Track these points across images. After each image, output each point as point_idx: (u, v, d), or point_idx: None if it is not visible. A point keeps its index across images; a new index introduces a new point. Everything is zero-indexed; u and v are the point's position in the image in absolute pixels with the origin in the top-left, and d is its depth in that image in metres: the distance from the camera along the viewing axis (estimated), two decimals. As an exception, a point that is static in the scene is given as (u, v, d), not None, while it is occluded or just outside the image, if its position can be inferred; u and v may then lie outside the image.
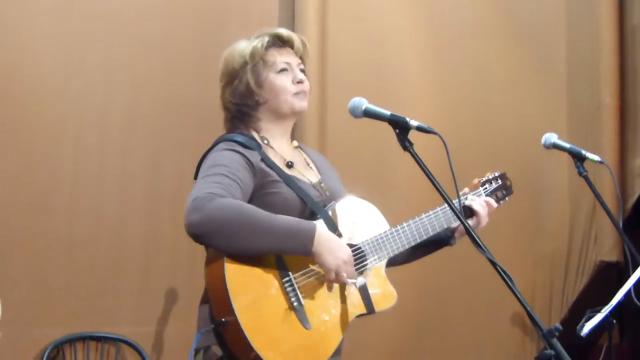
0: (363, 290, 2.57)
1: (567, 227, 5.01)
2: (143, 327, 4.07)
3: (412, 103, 4.67)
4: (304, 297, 2.43)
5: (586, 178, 3.27)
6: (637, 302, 3.15)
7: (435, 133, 2.29)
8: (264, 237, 2.35)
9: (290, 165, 2.64)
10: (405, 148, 2.34)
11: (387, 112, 2.38)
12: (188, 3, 4.31)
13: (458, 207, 2.38)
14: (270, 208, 2.43)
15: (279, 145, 2.68)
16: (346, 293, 2.54)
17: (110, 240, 4.04)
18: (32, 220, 3.88)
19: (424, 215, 2.73)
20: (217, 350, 2.42)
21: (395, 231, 2.66)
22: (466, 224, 2.25)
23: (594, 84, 4.95)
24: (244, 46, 2.66)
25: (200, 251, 2.58)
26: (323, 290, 2.50)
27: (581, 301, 4.84)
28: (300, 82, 2.66)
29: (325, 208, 2.58)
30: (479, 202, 2.85)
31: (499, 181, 2.99)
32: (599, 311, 3.12)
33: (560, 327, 2.06)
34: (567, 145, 3.31)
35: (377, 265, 2.62)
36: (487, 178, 2.97)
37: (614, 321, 3.16)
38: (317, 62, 4.40)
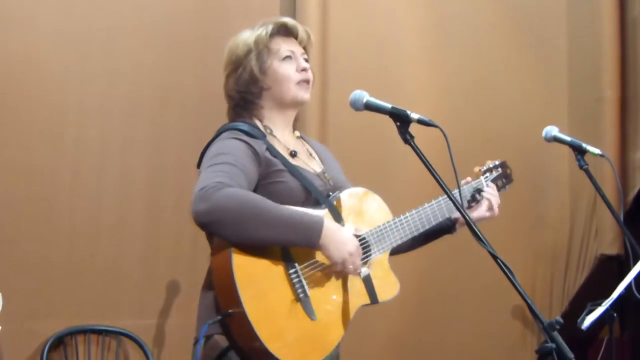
0: (367, 281, 2.57)
1: (568, 220, 5.01)
2: (144, 320, 4.07)
3: (413, 96, 4.67)
4: (309, 288, 2.43)
5: (587, 171, 3.26)
6: (638, 295, 3.16)
7: (435, 126, 2.30)
8: (271, 228, 2.34)
9: (294, 154, 2.64)
10: (406, 141, 2.35)
11: (388, 105, 2.39)
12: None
13: (459, 200, 2.38)
14: (275, 197, 2.42)
15: (282, 135, 2.68)
16: (350, 284, 2.55)
17: (112, 232, 4.04)
18: (32, 213, 3.87)
19: (426, 205, 2.75)
20: (220, 340, 2.41)
21: (399, 221, 2.67)
22: (467, 217, 2.25)
23: (595, 77, 4.95)
24: (248, 35, 2.67)
25: (201, 243, 2.59)
26: (328, 281, 2.50)
27: (582, 294, 4.84)
28: (304, 69, 2.67)
29: (330, 198, 2.58)
30: (490, 191, 2.89)
31: (500, 170, 3.00)
32: (599, 304, 3.13)
33: (560, 320, 2.06)
34: (568, 138, 3.31)
35: (380, 255, 2.62)
36: (488, 167, 2.98)
37: (615, 314, 3.17)
38: (319, 54, 4.39)
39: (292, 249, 2.42)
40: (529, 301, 2.11)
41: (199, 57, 4.19)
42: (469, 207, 2.89)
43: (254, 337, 2.30)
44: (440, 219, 2.78)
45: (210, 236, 2.50)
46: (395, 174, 4.51)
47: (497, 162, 3.00)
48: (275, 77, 2.63)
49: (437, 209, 2.76)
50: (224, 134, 2.55)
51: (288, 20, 2.74)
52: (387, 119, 2.39)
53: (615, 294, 3.14)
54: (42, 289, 3.86)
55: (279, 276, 2.40)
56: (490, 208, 2.90)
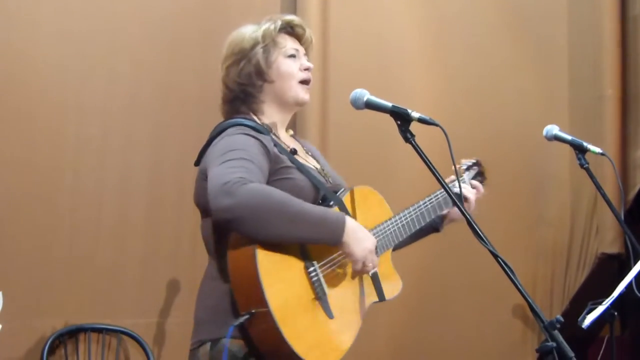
0: (374, 278, 2.57)
1: (569, 218, 5.01)
2: (144, 319, 4.07)
3: (414, 94, 4.67)
4: (327, 287, 2.41)
5: (587, 170, 3.26)
6: (639, 294, 3.15)
7: (436, 124, 2.30)
8: (296, 225, 2.30)
9: (294, 152, 2.62)
10: (406, 139, 2.35)
11: (389, 104, 2.39)
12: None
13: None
14: None
15: (280, 133, 2.67)
16: (362, 282, 2.54)
17: (112, 231, 4.04)
18: (33, 211, 3.87)
19: (421, 202, 2.77)
20: (230, 344, 2.34)
21: (399, 218, 2.67)
22: (468, 216, 2.25)
23: (596, 76, 4.95)
24: (255, 28, 2.64)
25: (202, 242, 2.58)
26: (343, 280, 2.48)
27: (582, 293, 4.84)
28: (307, 69, 2.66)
29: (337, 194, 2.55)
30: (469, 188, 2.90)
31: (476, 168, 3.01)
32: (600, 303, 3.13)
33: (561, 319, 2.06)
34: (569, 137, 3.31)
35: (384, 253, 2.62)
36: (467, 165, 2.98)
37: (615, 313, 3.17)
38: (319, 52, 4.39)
39: (310, 247, 2.39)
40: (529, 300, 2.11)
41: (199, 56, 4.19)
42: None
43: (279, 337, 2.25)
44: (433, 216, 2.81)
45: (215, 234, 2.46)
46: (396, 173, 4.51)
47: (473, 160, 3.00)
48: (278, 73, 2.61)
49: (430, 206, 2.79)
50: (231, 130, 2.50)
51: (296, 18, 2.73)
52: (387, 118, 2.39)
53: (615, 293, 3.14)
54: (43, 288, 3.86)
55: (299, 275, 2.37)
56: (468, 207, 2.90)
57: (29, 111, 3.90)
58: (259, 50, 2.60)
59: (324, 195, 2.51)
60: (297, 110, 2.77)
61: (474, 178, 3.01)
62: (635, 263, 3.22)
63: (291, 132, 2.76)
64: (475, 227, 2.21)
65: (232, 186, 2.22)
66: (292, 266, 2.35)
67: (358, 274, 2.49)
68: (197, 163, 2.58)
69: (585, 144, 3.28)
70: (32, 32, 3.92)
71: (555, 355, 2.03)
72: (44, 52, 3.94)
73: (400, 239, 2.68)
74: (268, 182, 2.42)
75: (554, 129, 3.33)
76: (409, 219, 2.70)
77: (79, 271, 3.94)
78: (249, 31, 2.64)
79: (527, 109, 4.95)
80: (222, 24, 4.05)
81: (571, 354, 2.03)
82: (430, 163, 2.33)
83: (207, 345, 2.40)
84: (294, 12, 4.34)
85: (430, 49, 4.82)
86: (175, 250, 4.13)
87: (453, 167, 2.33)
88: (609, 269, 4.88)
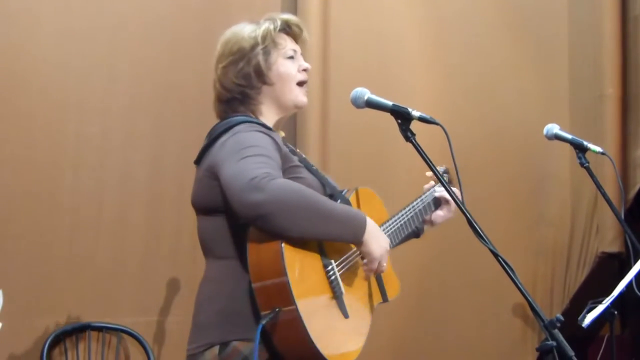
0: (379, 279, 2.57)
1: (569, 218, 5.01)
2: (144, 317, 4.07)
3: (414, 93, 4.67)
4: (343, 286, 2.40)
5: (588, 169, 3.26)
6: (639, 293, 3.16)
7: (437, 123, 2.29)
8: (324, 222, 2.26)
9: (293, 152, 2.60)
10: (407, 138, 2.34)
11: (389, 103, 2.38)
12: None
13: (460, 198, 2.38)
14: None
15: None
16: (370, 282, 2.54)
17: (112, 229, 4.04)
18: (33, 209, 3.87)
19: (413, 203, 2.79)
20: (240, 346, 2.31)
21: (397, 219, 2.68)
22: (467, 214, 2.25)
23: (596, 75, 4.95)
24: (253, 28, 2.60)
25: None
26: (355, 279, 2.47)
27: (582, 292, 4.85)
28: (305, 70, 2.63)
29: (343, 193, 2.54)
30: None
31: (447, 175, 3.01)
32: (600, 302, 3.13)
33: (561, 318, 2.06)
34: (569, 136, 3.31)
35: None
36: (443, 170, 2.97)
37: (615, 312, 3.17)
38: (320, 51, 4.39)
39: (326, 245, 2.37)
40: (529, 299, 2.11)
41: (200, 55, 4.17)
42: (437, 208, 2.91)
43: (305, 337, 2.20)
44: (422, 218, 2.83)
45: (220, 233, 2.42)
46: (397, 172, 4.51)
47: (443, 167, 2.98)
48: (279, 74, 2.57)
49: (422, 208, 2.81)
50: (241, 126, 2.44)
51: (293, 17, 2.70)
52: (388, 117, 2.39)
53: (616, 292, 3.14)
54: (43, 286, 3.86)
55: (319, 273, 2.34)
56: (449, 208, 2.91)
57: (29, 110, 3.89)
58: (259, 51, 2.56)
59: (331, 194, 2.49)
60: (294, 112, 2.74)
61: (449, 183, 3.01)
62: (635, 262, 3.22)
63: (282, 133, 2.71)
64: (476, 226, 2.21)
65: (260, 181, 2.16)
66: (313, 264, 2.33)
67: (371, 273, 2.46)
68: (197, 161, 2.53)
69: (585, 143, 3.28)
70: (32, 30, 3.91)
71: (555, 354, 2.04)
72: (45, 51, 3.94)
73: (399, 240, 2.69)
74: None
75: (554, 128, 3.34)
76: (405, 219, 2.71)
77: (79, 269, 3.94)
78: (248, 30, 2.60)
79: (528, 108, 4.95)
80: (222, 23, 4.01)
81: (571, 352, 2.03)
82: (431, 162, 2.33)
83: (216, 349, 2.34)
84: (295, 11, 4.34)
85: (430, 48, 4.82)
86: (175, 248, 4.13)
87: (453, 166, 2.32)
88: (609, 268, 4.89)
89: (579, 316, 3.12)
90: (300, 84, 2.62)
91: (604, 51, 4.92)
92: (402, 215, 2.72)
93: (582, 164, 3.27)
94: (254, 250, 2.26)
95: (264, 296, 2.23)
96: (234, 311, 2.33)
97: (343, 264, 2.42)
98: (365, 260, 2.44)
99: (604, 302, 3.13)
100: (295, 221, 2.19)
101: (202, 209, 2.49)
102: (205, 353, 2.35)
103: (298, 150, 2.75)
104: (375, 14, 4.70)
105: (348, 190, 2.59)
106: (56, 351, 3.87)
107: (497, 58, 4.97)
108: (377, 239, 2.39)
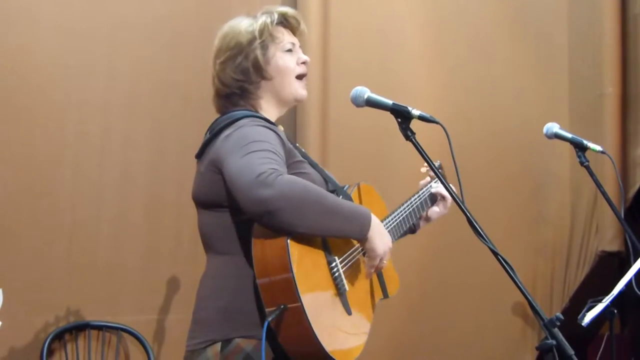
0: (380, 276, 2.57)
1: (569, 216, 5.01)
2: (145, 316, 4.08)
3: (414, 92, 4.67)
4: (346, 283, 2.39)
5: (588, 168, 3.26)
6: (638, 292, 3.16)
7: (437, 122, 2.29)
8: (331, 218, 2.24)
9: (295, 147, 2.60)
10: (407, 137, 2.33)
11: (389, 101, 2.38)
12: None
13: (460, 197, 2.38)
14: None
15: None
16: (372, 278, 2.54)
17: (112, 228, 4.04)
18: (33, 208, 3.87)
19: (412, 199, 2.79)
20: (243, 343, 2.30)
21: (396, 215, 2.68)
22: (468, 214, 2.25)
23: (596, 74, 4.95)
24: (250, 22, 2.58)
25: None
26: (358, 276, 2.47)
27: (582, 291, 4.85)
28: (304, 62, 2.61)
29: (345, 189, 2.53)
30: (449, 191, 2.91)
31: (442, 169, 3.01)
32: (600, 301, 3.13)
33: (561, 316, 2.06)
34: (569, 135, 3.31)
35: None
36: (437, 165, 2.97)
37: (615, 311, 3.18)
38: (320, 49, 4.39)
39: (330, 242, 2.36)
40: (529, 297, 2.11)
41: (199, 53, 4.16)
42: (433, 204, 2.92)
43: (309, 333, 2.18)
44: (420, 214, 2.83)
45: (222, 228, 2.40)
46: (396, 170, 4.51)
47: (438, 162, 2.97)
48: (277, 68, 2.54)
49: (419, 204, 2.82)
50: (245, 121, 2.41)
51: (290, 10, 2.66)
52: (388, 115, 2.39)
53: (615, 291, 3.14)
54: (43, 285, 3.86)
55: (323, 270, 2.33)
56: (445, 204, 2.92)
57: (28, 108, 3.89)
58: (256, 45, 2.53)
59: (333, 190, 2.49)
60: (294, 105, 2.73)
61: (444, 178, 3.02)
62: (635, 261, 3.22)
63: (282, 128, 2.67)
64: (476, 224, 2.21)
65: (267, 177, 2.14)
66: (317, 261, 2.31)
67: (374, 269, 2.45)
68: (199, 155, 2.51)
69: (585, 141, 3.28)
70: (32, 29, 3.92)
71: (555, 352, 2.03)
72: (44, 50, 3.94)
73: (397, 236, 2.68)
74: None
75: (554, 127, 3.34)
76: (403, 216, 2.71)
77: (79, 268, 3.94)
78: (245, 25, 2.58)
79: (528, 107, 4.95)
80: (222, 22, 4.03)
81: (571, 351, 2.03)
82: (431, 161, 2.33)
83: (218, 346, 2.32)
84: (294, 8, 4.33)
85: (430, 47, 4.82)
86: (175, 247, 4.13)
87: (453, 165, 2.32)
88: (608, 267, 4.89)
89: (578, 315, 3.12)
90: (300, 77, 2.60)
91: (604, 50, 4.92)
92: (401, 211, 2.72)
93: (581, 163, 3.27)
94: (258, 246, 2.24)
95: (269, 292, 2.21)
96: (237, 308, 2.32)
97: (346, 261, 2.41)
98: (367, 257, 2.43)
99: (603, 300, 3.13)
100: (303, 217, 2.17)
101: (204, 203, 2.46)
102: (207, 349, 2.33)
103: (298, 145, 2.75)
104: (375, 12, 4.70)
105: (350, 186, 2.58)
106: (56, 350, 3.87)
107: (497, 57, 4.97)
108: (380, 236, 2.38)
